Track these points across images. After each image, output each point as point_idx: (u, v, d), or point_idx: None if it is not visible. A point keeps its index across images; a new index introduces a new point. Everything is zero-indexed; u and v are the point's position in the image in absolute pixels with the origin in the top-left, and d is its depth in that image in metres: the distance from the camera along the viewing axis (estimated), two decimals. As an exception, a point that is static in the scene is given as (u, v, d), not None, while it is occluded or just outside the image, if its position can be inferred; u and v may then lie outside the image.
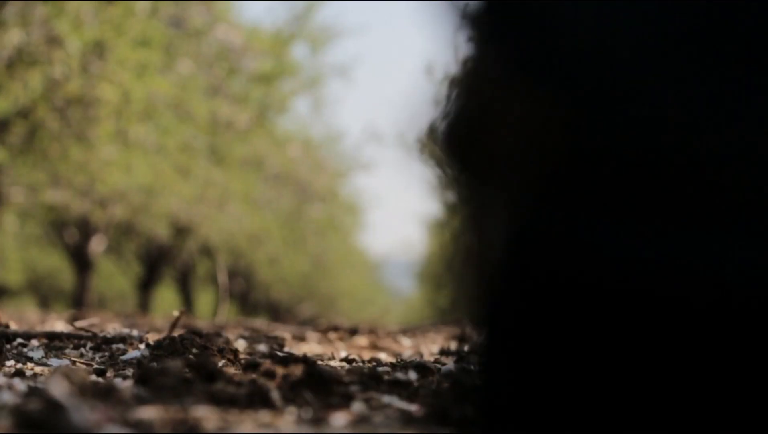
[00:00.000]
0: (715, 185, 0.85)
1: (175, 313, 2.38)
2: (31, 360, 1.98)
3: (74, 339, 2.29)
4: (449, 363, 2.07)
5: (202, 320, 5.18)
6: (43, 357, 2.03)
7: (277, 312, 22.78)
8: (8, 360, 1.94)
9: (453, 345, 3.25)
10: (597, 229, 0.90)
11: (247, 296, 22.91)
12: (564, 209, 0.93)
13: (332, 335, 3.37)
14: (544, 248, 0.94)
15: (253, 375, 1.41)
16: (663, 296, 0.85)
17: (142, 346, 2.12)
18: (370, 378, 1.52)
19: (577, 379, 0.91)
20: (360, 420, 1.20)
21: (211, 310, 15.59)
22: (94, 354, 2.14)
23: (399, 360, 2.27)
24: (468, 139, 1.22)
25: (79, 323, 2.70)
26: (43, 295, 24.78)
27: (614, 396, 0.89)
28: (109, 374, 1.69)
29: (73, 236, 13.58)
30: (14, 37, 6.30)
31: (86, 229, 13.22)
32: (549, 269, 0.93)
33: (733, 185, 0.85)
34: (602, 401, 0.90)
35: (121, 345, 2.21)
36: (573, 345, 0.91)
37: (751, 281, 0.83)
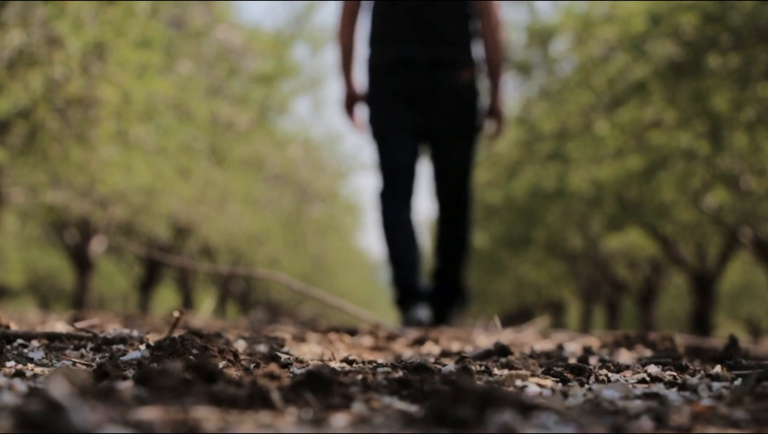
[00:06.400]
0: None
1: (175, 314, 2.38)
2: (31, 360, 1.98)
3: (74, 340, 2.29)
4: (450, 364, 2.07)
5: (202, 321, 5.18)
6: (43, 358, 2.03)
7: (277, 313, 22.77)
8: (8, 360, 1.94)
9: (454, 346, 3.25)
10: None
11: (247, 296, 22.92)
12: None
13: (332, 335, 3.37)
14: None
15: (254, 376, 1.41)
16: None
17: (143, 347, 2.12)
18: (370, 379, 1.53)
19: None
20: (360, 421, 1.20)
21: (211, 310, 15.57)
22: (94, 354, 2.14)
23: (399, 360, 2.27)
24: None
25: (80, 324, 2.70)
26: (44, 295, 24.79)
27: None
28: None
29: (73, 237, 13.59)
30: (15, 37, 6.31)
31: (86, 229, 13.22)
32: None
33: None
34: None
35: (121, 346, 2.22)
36: None
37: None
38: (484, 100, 4.82)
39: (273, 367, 1.54)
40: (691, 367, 2.11)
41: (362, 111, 4.87)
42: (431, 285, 4.79)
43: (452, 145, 4.69)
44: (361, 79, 4.85)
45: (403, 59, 4.61)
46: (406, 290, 4.51)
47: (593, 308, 19.68)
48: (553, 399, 1.51)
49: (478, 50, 4.74)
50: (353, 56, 4.81)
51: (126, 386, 1.35)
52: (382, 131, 4.66)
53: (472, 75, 4.67)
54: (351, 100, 4.88)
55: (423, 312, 4.41)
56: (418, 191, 4.78)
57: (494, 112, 4.80)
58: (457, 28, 4.64)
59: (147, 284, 16.26)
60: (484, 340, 3.49)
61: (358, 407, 1.30)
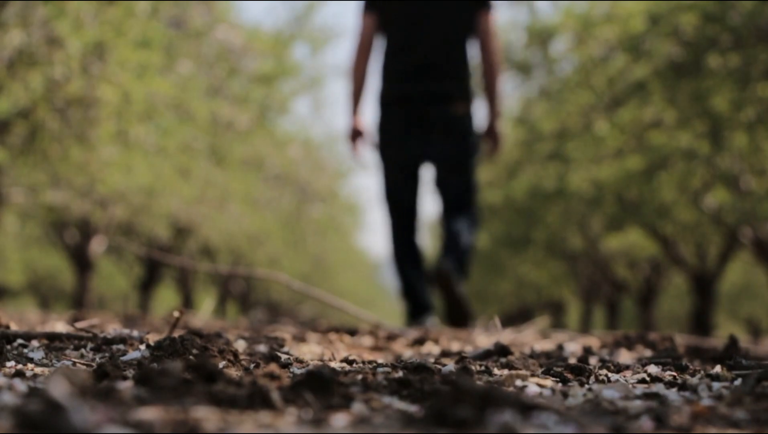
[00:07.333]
0: None
1: (175, 314, 2.38)
2: (31, 360, 1.98)
3: (74, 340, 2.29)
4: (450, 364, 2.07)
5: (202, 321, 5.18)
6: (43, 358, 2.03)
7: (277, 313, 22.79)
8: (8, 360, 1.94)
9: (454, 346, 3.25)
10: None
11: (247, 296, 22.92)
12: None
13: (332, 335, 3.37)
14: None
15: (254, 376, 1.41)
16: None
17: (143, 347, 2.12)
18: (370, 379, 1.53)
19: None
20: (360, 421, 1.20)
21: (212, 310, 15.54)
22: (94, 354, 2.14)
23: (399, 360, 2.27)
24: None
25: (80, 324, 2.70)
26: (44, 295, 24.78)
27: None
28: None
29: (73, 237, 13.58)
30: (15, 38, 6.31)
31: (86, 229, 13.22)
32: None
33: None
34: None
35: (121, 346, 2.22)
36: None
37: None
38: (480, 125, 5.24)
39: (273, 367, 1.54)
40: (691, 367, 2.11)
41: (364, 145, 5.32)
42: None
43: (451, 170, 5.11)
44: (369, 113, 5.23)
45: (405, 95, 5.06)
46: (417, 306, 5.07)
47: (593, 308, 19.67)
48: (553, 399, 1.51)
49: (475, 79, 5.27)
50: (363, 92, 5.23)
51: (126, 386, 1.35)
52: (387, 161, 5.16)
53: (467, 108, 5.09)
54: (355, 134, 5.28)
55: (431, 321, 4.94)
56: (420, 217, 5.27)
57: (491, 133, 5.20)
58: (457, 65, 5.08)
59: (147, 284, 16.26)
60: (484, 340, 3.49)
61: (358, 407, 1.30)
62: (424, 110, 5.03)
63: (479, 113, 5.26)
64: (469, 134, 5.10)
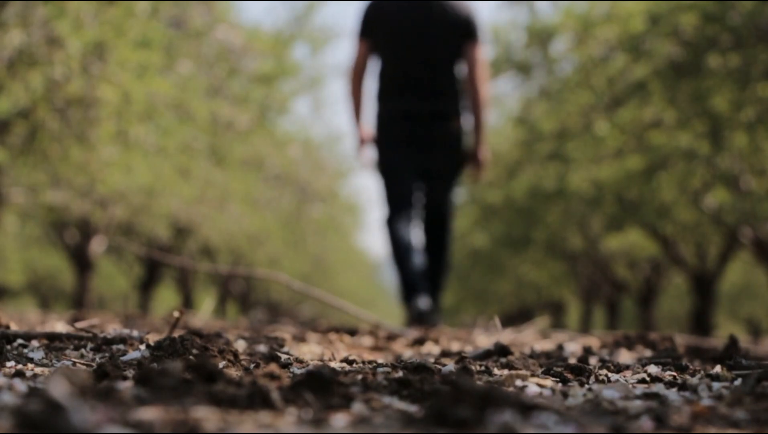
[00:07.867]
0: None
1: (175, 314, 2.38)
2: (31, 360, 1.98)
3: (75, 340, 2.29)
4: (450, 364, 2.07)
5: (202, 321, 5.18)
6: (43, 358, 2.03)
7: (277, 313, 22.77)
8: (8, 360, 1.94)
9: (455, 346, 3.25)
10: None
11: (247, 296, 22.92)
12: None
13: (332, 335, 3.37)
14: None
15: (254, 376, 1.41)
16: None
17: (143, 347, 2.12)
18: (370, 379, 1.53)
19: None
20: (360, 421, 1.20)
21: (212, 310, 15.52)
22: (94, 354, 2.14)
23: (399, 360, 2.27)
24: None
25: (80, 324, 2.70)
26: (44, 295, 24.78)
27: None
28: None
29: (73, 237, 13.58)
30: (15, 38, 6.30)
31: (86, 229, 13.22)
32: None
33: None
34: None
35: (121, 346, 2.22)
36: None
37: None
38: (467, 142, 5.64)
39: (273, 367, 1.54)
40: (691, 367, 2.11)
41: (370, 151, 5.74)
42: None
43: (441, 180, 5.58)
44: (369, 125, 5.73)
45: (406, 112, 5.51)
46: (410, 289, 5.27)
47: (593, 308, 19.67)
48: (553, 399, 1.51)
49: (464, 103, 5.64)
50: (362, 107, 5.72)
51: (126, 386, 1.35)
52: (388, 170, 5.56)
53: (460, 123, 5.55)
54: (361, 142, 5.72)
55: (423, 301, 5.15)
56: (417, 217, 5.60)
57: (476, 157, 5.58)
58: (448, 85, 5.53)
59: (147, 284, 16.26)
60: (484, 340, 3.49)
61: (358, 407, 1.30)
62: (426, 126, 5.48)
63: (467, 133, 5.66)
64: (461, 149, 5.57)
